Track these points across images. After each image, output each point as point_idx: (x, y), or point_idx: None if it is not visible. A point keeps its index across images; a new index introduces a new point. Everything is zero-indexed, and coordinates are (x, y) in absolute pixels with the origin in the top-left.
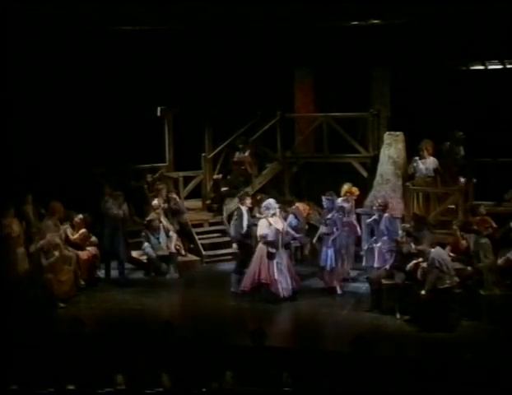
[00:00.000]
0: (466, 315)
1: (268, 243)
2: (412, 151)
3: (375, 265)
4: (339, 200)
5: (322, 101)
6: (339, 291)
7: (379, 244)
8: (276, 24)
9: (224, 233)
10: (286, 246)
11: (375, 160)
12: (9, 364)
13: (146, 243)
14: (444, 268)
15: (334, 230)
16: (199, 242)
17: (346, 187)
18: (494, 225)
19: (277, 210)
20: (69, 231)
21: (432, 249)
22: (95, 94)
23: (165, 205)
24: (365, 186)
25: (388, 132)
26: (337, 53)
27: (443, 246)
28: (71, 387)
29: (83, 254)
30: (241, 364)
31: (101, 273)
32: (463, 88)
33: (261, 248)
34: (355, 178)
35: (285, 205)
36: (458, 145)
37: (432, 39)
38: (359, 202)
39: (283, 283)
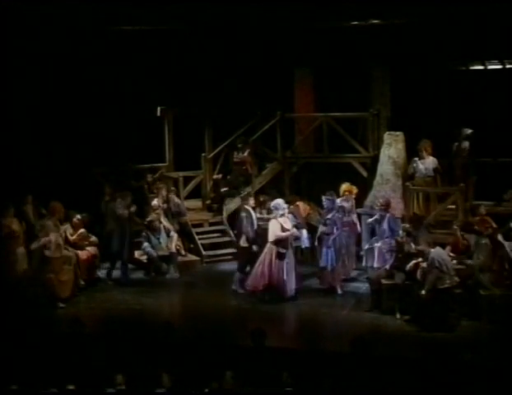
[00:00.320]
0: (466, 315)
1: (279, 244)
2: (412, 151)
3: (375, 265)
4: (339, 200)
5: (322, 101)
6: (339, 291)
7: (379, 244)
8: (276, 24)
9: (224, 233)
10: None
11: (375, 160)
12: (9, 364)
13: (146, 243)
14: (443, 268)
15: (334, 229)
16: (199, 242)
17: (344, 186)
18: (494, 225)
19: (286, 210)
20: (69, 231)
21: (432, 249)
22: (95, 94)
23: (165, 205)
24: (365, 186)
25: (388, 132)
26: (337, 53)
27: (443, 246)
28: (71, 387)
29: (83, 254)
30: (241, 364)
31: (101, 273)
32: (463, 88)
33: (270, 249)
34: (355, 178)
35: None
36: (465, 141)
37: (432, 39)
38: (359, 201)
39: (291, 283)
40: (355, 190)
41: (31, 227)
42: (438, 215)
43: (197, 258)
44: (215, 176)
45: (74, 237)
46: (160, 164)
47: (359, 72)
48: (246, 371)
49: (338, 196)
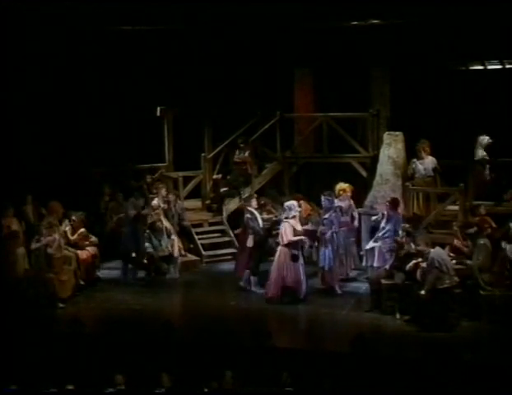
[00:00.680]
0: (465, 315)
1: (290, 246)
2: (412, 151)
3: (375, 265)
4: (336, 200)
5: (322, 101)
6: (338, 291)
7: (379, 244)
8: (276, 24)
9: (224, 233)
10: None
11: (375, 160)
12: (9, 364)
13: (147, 244)
14: (443, 268)
15: (332, 229)
16: (199, 242)
17: (338, 186)
18: (493, 225)
19: (298, 211)
20: (68, 231)
21: (432, 249)
22: (94, 94)
23: (165, 205)
24: (365, 186)
25: (387, 132)
26: (337, 53)
27: (443, 246)
28: (70, 387)
29: (82, 254)
30: (241, 364)
31: (101, 273)
32: (463, 88)
33: (284, 252)
34: (354, 178)
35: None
36: (481, 150)
37: (432, 39)
38: (359, 202)
39: (305, 284)
40: (349, 189)
41: (31, 227)
42: (438, 215)
43: (197, 258)
44: (214, 176)
45: (74, 237)
46: (160, 165)
47: (358, 72)
48: (246, 371)
49: (336, 196)
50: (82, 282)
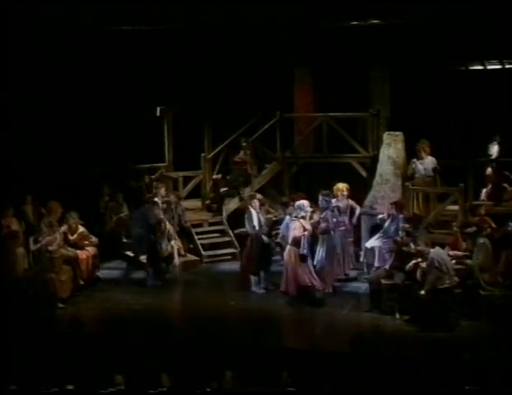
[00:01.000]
0: (465, 315)
1: (297, 246)
2: (412, 151)
3: (375, 265)
4: (334, 200)
5: (321, 101)
6: (329, 290)
7: (379, 244)
8: (276, 24)
9: (223, 233)
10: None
11: (375, 160)
12: (9, 364)
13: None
14: (443, 268)
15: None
16: (199, 242)
17: (335, 187)
18: (493, 225)
19: (308, 212)
20: (67, 232)
21: (431, 249)
22: (94, 94)
23: (164, 205)
24: (365, 186)
25: (387, 132)
26: (337, 53)
27: (442, 246)
28: (70, 387)
29: (82, 254)
30: (241, 364)
31: (101, 273)
32: (462, 88)
33: (292, 251)
34: (354, 178)
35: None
36: (494, 145)
37: (431, 40)
38: (359, 202)
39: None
40: (344, 188)
41: (31, 227)
42: (437, 215)
43: (197, 258)
44: (214, 176)
45: (74, 237)
46: (160, 165)
47: (358, 72)
48: (246, 371)
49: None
50: (82, 282)
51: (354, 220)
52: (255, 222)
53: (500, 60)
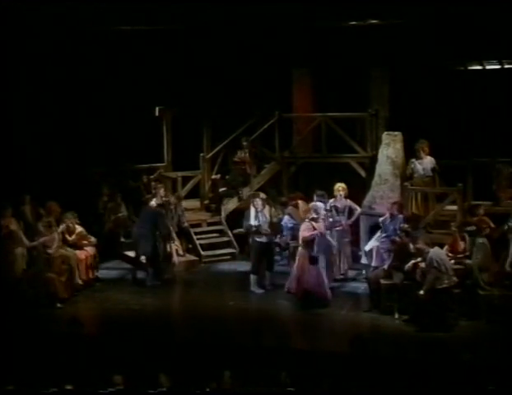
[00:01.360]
0: (464, 315)
1: (309, 248)
2: (411, 151)
3: (373, 264)
4: (331, 200)
5: (320, 101)
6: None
7: (377, 244)
8: (274, 24)
9: (222, 233)
10: (285, 247)
11: (374, 160)
12: (7, 364)
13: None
14: (442, 268)
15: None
16: (197, 242)
17: (335, 187)
18: (492, 225)
19: (322, 215)
20: (66, 231)
21: (431, 249)
22: (93, 94)
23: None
24: (364, 186)
25: (386, 132)
26: (336, 53)
27: (441, 246)
28: (69, 387)
29: (81, 254)
30: (240, 364)
31: (100, 273)
32: (461, 88)
33: (301, 253)
34: (353, 178)
35: (282, 205)
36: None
37: (430, 39)
38: (357, 202)
39: (328, 286)
40: (341, 187)
41: (29, 227)
42: (436, 215)
43: (196, 258)
44: (213, 176)
45: (73, 237)
46: (159, 164)
47: (357, 72)
48: (244, 371)
49: (333, 196)
50: (81, 282)
51: (351, 220)
52: (251, 221)
53: (499, 60)
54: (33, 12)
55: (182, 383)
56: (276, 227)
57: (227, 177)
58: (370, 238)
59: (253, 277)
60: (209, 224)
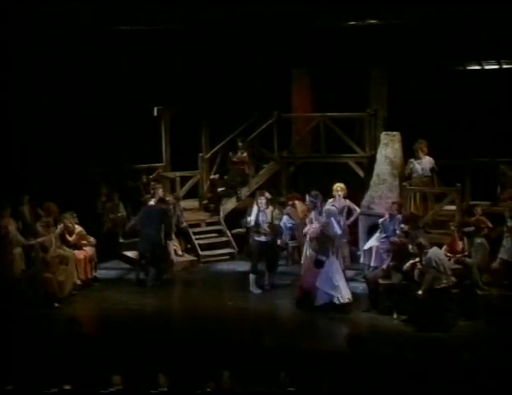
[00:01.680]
0: (463, 315)
1: (319, 251)
2: (409, 151)
3: (372, 264)
4: (330, 200)
5: (319, 101)
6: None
7: (376, 244)
8: (273, 24)
9: (221, 233)
10: (284, 248)
11: (372, 160)
12: (6, 364)
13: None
14: (440, 268)
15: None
16: (196, 242)
17: (333, 188)
18: (490, 225)
19: (334, 218)
20: (66, 231)
21: (430, 249)
22: (92, 94)
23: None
24: (362, 186)
25: (384, 132)
26: (335, 53)
27: (440, 246)
28: (68, 387)
29: (80, 254)
30: (239, 363)
31: (98, 273)
32: (460, 88)
33: (311, 255)
34: (352, 178)
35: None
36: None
37: (429, 39)
38: (355, 202)
39: (331, 290)
40: (339, 187)
41: (28, 227)
42: (435, 215)
43: (195, 258)
44: (212, 176)
45: (73, 237)
46: (157, 164)
47: (356, 72)
48: (244, 371)
49: (332, 196)
50: (79, 282)
51: (350, 221)
52: (251, 218)
53: (498, 60)
54: (33, 12)
55: (181, 383)
56: (275, 228)
57: (226, 177)
58: (368, 238)
59: (252, 277)
60: (208, 224)
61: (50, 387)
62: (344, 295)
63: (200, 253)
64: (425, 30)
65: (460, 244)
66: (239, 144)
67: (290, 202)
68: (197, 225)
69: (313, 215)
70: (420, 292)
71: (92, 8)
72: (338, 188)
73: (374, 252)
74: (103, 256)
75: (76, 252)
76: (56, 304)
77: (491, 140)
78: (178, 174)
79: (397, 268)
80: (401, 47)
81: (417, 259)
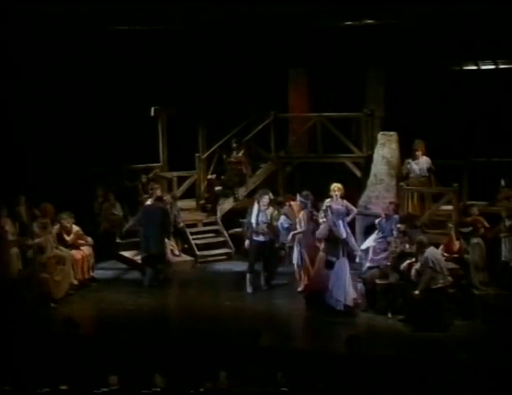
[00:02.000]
0: (460, 315)
1: (329, 251)
2: (406, 151)
3: (369, 264)
4: (327, 200)
5: (316, 101)
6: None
7: (373, 244)
8: (271, 24)
9: (218, 233)
10: (281, 248)
11: (369, 160)
12: (3, 364)
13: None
14: (437, 268)
15: (302, 228)
16: (193, 242)
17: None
18: (486, 225)
19: (343, 219)
20: (63, 231)
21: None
22: (89, 94)
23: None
24: (359, 186)
25: (381, 132)
26: (332, 53)
27: (436, 246)
28: (64, 387)
29: (77, 254)
30: (235, 364)
31: (95, 273)
32: (457, 88)
33: (321, 257)
34: (349, 178)
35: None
36: None
37: (426, 40)
38: (352, 202)
39: (339, 295)
40: (336, 187)
41: (25, 228)
42: (432, 214)
43: (192, 258)
44: (209, 176)
45: (71, 237)
46: (154, 165)
47: (353, 72)
48: (240, 371)
49: (328, 196)
50: (76, 282)
51: (347, 221)
52: (252, 218)
53: (494, 60)
54: (33, 12)
55: (178, 384)
56: (274, 229)
57: (223, 177)
58: (365, 238)
59: (248, 276)
60: (205, 224)
61: (47, 387)
62: (351, 297)
63: (197, 253)
64: (421, 31)
65: (457, 244)
66: (234, 145)
67: (288, 203)
68: (195, 225)
69: (301, 215)
70: (417, 292)
71: (92, 8)
72: (335, 188)
73: (371, 252)
74: (100, 256)
75: (74, 252)
76: (52, 305)
77: (487, 140)
78: (175, 174)
79: (394, 268)
80: (398, 47)
81: (414, 259)
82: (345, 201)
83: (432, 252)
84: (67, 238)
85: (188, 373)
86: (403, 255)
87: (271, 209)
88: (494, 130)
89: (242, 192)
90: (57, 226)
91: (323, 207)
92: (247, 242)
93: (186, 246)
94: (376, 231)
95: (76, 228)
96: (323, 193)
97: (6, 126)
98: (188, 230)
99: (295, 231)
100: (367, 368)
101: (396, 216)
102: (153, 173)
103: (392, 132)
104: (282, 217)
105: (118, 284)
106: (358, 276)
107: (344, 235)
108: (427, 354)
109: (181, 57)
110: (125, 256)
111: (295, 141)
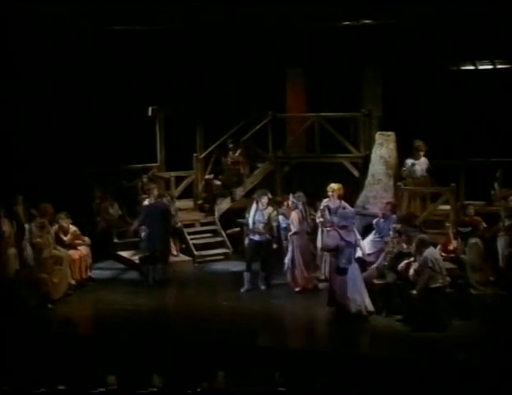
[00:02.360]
0: (457, 315)
1: (338, 257)
2: (404, 151)
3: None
4: (325, 200)
5: (314, 101)
6: (296, 289)
7: (371, 244)
8: (268, 24)
9: (215, 233)
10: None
11: (367, 160)
12: (0, 364)
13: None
14: (436, 268)
15: (296, 229)
16: (191, 242)
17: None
18: (484, 224)
19: (352, 223)
20: (61, 231)
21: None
22: (87, 94)
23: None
24: (357, 186)
25: (379, 132)
26: (329, 53)
27: (434, 246)
28: (62, 387)
29: (74, 254)
30: (233, 364)
31: (93, 273)
32: (454, 88)
33: (332, 263)
34: (346, 178)
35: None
36: None
37: (423, 40)
38: (350, 202)
39: (357, 300)
40: (335, 187)
41: (22, 227)
42: (429, 214)
43: (189, 258)
44: (206, 176)
45: (69, 237)
46: (152, 165)
47: (351, 72)
48: (238, 371)
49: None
50: (74, 282)
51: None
52: (248, 216)
53: (492, 60)
54: (33, 12)
55: (175, 384)
56: (272, 229)
57: (220, 177)
58: (363, 238)
59: (245, 274)
60: (202, 224)
61: (45, 387)
62: (369, 300)
63: (195, 253)
64: (419, 30)
65: (454, 243)
66: (230, 145)
67: (285, 203)
68: (192, 225)
69: (293, 216)
70: (414, 292)
71: (92, 8)
72: (333, 188)
73: (368, 251)
74: (97, 256)
75: (71, 252)
76: (50, 306)
77: (485, 140)
78: (173, 174)
79: (392, 268)
80: (395, 47)
81: (412, 259)
82: (342, 201)
83: (431, 252)
84: (65, 238)
85: (186, 373)
86: (401, 255)
87: (270, 209)
88: (491, 130)
89: (239, 192)
90: (55, 226)
91: (321, 207)
92: (247, 241)
93: (184, 246)
94: (373, 231)
95: (73, 228)
96: (320, 193)
97: (4, 126)
98: (185, 230)
99: (291, 232)
100: (364, 367)
101: (394, 216)
102: (151, 173)
103: (389, 132)
104: (280, 217)
105: (115, 284)
106: None
107: (360, 242)
108: (425, 354)
109: (179, 56)
110: (123, 256)
111: (292, 141)
